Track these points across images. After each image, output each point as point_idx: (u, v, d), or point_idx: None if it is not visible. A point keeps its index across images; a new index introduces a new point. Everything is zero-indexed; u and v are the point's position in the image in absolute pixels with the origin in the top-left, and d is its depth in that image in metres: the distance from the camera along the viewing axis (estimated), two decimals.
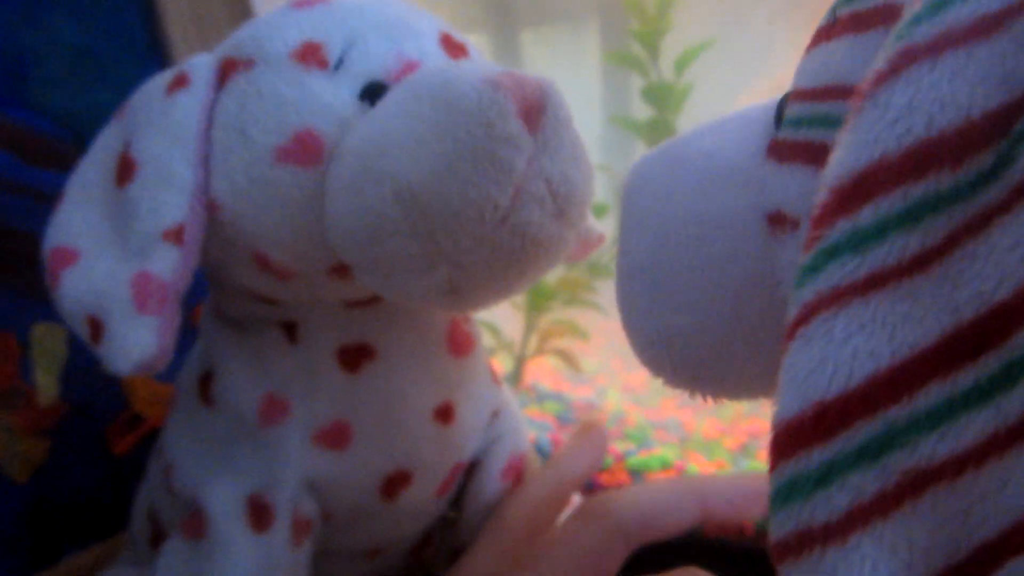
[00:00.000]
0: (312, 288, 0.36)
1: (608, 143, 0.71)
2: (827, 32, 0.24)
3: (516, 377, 0.63)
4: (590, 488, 0.49)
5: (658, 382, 0.29)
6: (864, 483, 0.16)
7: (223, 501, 0.36)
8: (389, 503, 0.39)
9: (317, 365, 0.37)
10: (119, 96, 0.60)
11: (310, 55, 0.33)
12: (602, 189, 0.66)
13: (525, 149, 0.29)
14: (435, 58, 0.35)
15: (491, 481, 0.42)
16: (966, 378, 0.15)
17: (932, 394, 0.15)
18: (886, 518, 0.16)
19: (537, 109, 0.30)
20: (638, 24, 0.63)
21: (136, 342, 0.32)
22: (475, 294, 0.32)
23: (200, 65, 0.35)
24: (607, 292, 0.63)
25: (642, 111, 0.66)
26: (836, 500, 0.16)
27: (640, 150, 0.66)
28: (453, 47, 0.36)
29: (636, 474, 0.48)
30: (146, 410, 0.53)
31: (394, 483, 0.39)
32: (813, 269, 0.17)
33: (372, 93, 0.33)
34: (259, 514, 0.36)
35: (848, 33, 0.23)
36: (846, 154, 0.17)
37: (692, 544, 0.37)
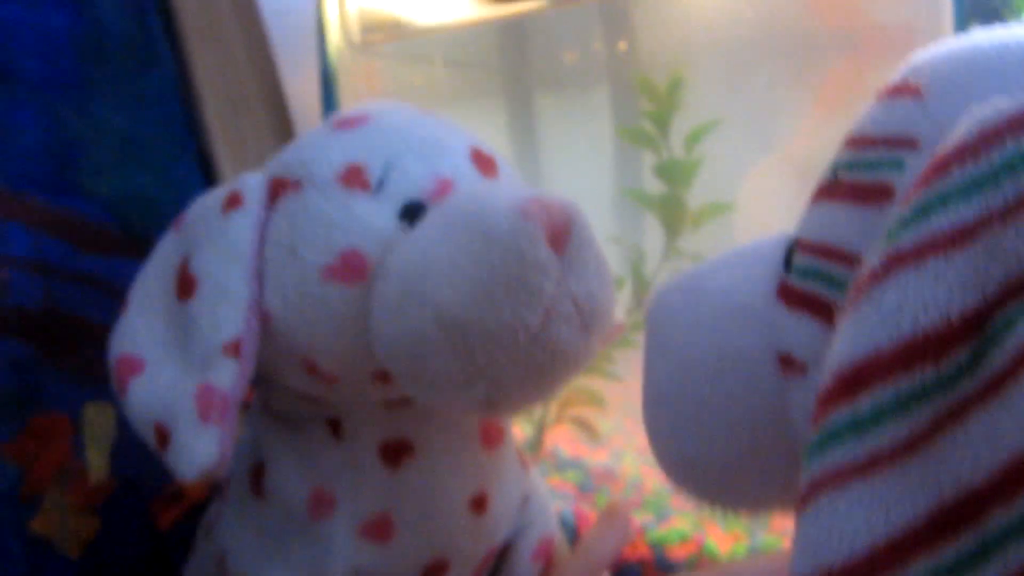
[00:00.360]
0: (356, 390, 0.38)
1: (620, 212, 0.74)
2: (829, 191, 0.27)
3: (536, 443, 0.66)
4: (616, 563, 0.52)
5: None
6: None
7: None
8: None
9: (361, 461, 0.40)
10: (160, 180, 0.63)
11: (354, 178, 0.37)
12: (616, 262, 0.69)
13: (554, 273, 0.33)
14: (468, 176, 0.38)
15: (523, 563, 0.45)
16: (948, 553, 0.18)
17: (920, 566, 0.18)
18: None
19: (564, 233, 0.33)
20: (649, 104, 0.66)
21: (200, 451, 0.35)
22: (509, 404, 0.35)
23: (252, 186, 0.38)
24: (622, 360, 0.66)
25: (653, 179, 0.69)
26: None
27: (651, 223, 0.69)
28: (484, 162, 0.39)
29: (657, 547, 0.51)
30: (189, 485, 0.56)
31: (433, 571, 0.41)
32: (820, 448, 0.20)
33: (411, 213, 0.36)
34: None
35: (849, 201, 0.26)
36: (846, 346, 0.20)
37: None
